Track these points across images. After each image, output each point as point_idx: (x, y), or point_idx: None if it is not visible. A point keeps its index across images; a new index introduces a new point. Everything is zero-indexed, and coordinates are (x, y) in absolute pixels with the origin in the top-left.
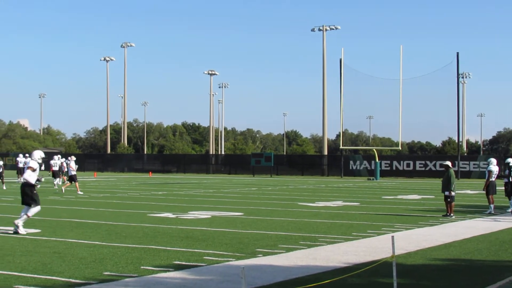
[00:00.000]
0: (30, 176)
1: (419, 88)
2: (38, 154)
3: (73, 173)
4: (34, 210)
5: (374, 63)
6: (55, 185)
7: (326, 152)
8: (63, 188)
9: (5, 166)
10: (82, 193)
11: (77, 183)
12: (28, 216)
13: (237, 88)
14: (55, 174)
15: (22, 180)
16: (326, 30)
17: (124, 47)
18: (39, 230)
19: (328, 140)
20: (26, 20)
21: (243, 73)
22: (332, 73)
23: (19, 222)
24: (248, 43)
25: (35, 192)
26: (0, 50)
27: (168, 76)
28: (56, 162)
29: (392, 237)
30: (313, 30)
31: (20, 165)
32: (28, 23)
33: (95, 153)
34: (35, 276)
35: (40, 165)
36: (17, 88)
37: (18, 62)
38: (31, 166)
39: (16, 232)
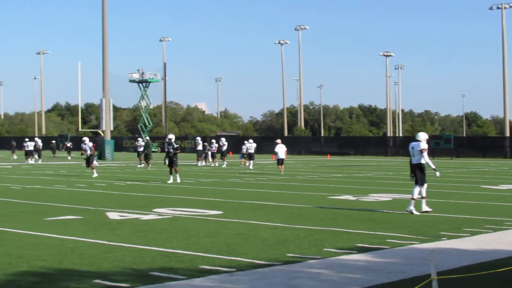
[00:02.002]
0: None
1: None
2: None
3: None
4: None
5: None
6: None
7: (508, 134)
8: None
9: (184, 149)
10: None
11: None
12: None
13: (414, 70)
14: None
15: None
16: (505, 8)
17: (298, 30)
18: (222, 212)
19: (510, 122)
20: (204, 8)
21: (419, 54)
22: None
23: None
24: (423, 24)
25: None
26: (178, 38)
27: (343, 58)
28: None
29: None
30: (491, 8)
31: (199, 147)
32: (206, 11)
33: (272, 136)
34: (220, 256)
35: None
36: (195, 73)
37: (195, 48)
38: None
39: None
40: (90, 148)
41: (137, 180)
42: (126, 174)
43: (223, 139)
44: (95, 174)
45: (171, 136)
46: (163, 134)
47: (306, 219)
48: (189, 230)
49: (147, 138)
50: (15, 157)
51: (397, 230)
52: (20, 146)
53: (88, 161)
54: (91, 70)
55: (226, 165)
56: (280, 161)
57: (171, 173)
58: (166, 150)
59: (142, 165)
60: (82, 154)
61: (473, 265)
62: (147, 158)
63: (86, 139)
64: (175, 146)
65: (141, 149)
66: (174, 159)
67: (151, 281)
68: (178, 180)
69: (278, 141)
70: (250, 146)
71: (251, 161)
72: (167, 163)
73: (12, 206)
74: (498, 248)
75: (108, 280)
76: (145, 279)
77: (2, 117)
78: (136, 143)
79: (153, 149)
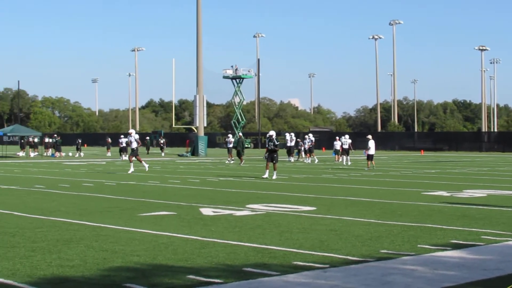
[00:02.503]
0: None
1: None
2: None
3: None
4: None
5: None
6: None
7: None
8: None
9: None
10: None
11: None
12: None
13: (509, 64)
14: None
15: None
16: None
17: (392, 24)
18: (315, 208)
19: None
20: (297, 3)
21: None
22: None
23: None
24: None
25: None
26: (272, 33)
27: (437, 53)
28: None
29: None
30: None
31: (291, 143)
32: (299, 6)
33: (365, 131)
34: (313, 253)
35: None
36: (288, 69)
37: (288, 44)
38: None
39: None
40: (136, 140)
41: (230, 176)
42: (219, 170)
43: (311, 135)
44: (132, 169)
45: (272, 133)
46: (256, 130)
47: (400, 215)
48: (282, 226)
49: (240, 134)
50: (109, 154)
51: (492, 226)
52: (115, 143)
53: (132, 153)
54: (185, 66)
55: (317, 161)
56: (370, 157)
57: (267, 168)
58: (267, 146)
59: (232, 161)
60: (127, 145)
61: None
62: (239, 154)
63: (132, 131)
64: (276, 143)
65: (231, 145)
66: (275, 155)
67: (245, 277)
68: (274, 177)
69: (369, 136)
70: (345, 141)
71: (348, 157)
72: (266, 158)
73: (107, 202)
74: None
75: (202, 275)
76: (238, 274)
77: (97, 114)
78: (227, 139)
79: (246, 145)
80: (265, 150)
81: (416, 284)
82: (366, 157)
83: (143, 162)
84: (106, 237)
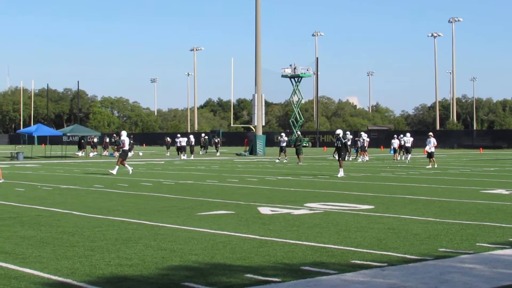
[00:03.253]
0: None
1: None
2: None
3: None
4: None
5: None
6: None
7: None
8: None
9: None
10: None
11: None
12: None
13: None
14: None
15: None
16: None
17: (451, 22)
18: (373, 207)
19: None
20: (356, 2)
21: None
22: None
23: None
24: None
25: None
26: (330, 32)
27: (497, 50)
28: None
29: None
30: None
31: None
32: (358, 4)
33: (424, 129)
34: (371, 251)
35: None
36: (347, 67)
37: (347, 42)
38: None
39: None
40: (127, 142)
41: (288, 174)
42: (277, 169)
43: (363, 134)
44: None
45: (339, 131)
46: (314, 128)
47: (458, 214)
48: (340, 224)
49: (298, 133)
50: (168, 153)
51: None
52: (174, 142)
53: (122, 154)
54: (243, 65)
55: (367, 160)
56: (430, 154)
57: (341, 166)
58: (336, 145)
59: (286, 160)
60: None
61: None
62: (298, 153)
63: (123, 132)
64: (343, 141)
65: (284, 144)
66: (342, 153)
67: (302, 275)
68: (340, 174)
69: (431, 134)
70: (407, 140)
71: (409, 155)
72: (336, 157)
73: (165, 201)
74: None
75: (260, 274)
76: (296, 273)
77: (156, 113)
78: (280, 138)
79: (304, 144)
80: (333, 149)
81: (474, 283)
82: (426, 155)
83: (126, 165)
84: (164, 236)
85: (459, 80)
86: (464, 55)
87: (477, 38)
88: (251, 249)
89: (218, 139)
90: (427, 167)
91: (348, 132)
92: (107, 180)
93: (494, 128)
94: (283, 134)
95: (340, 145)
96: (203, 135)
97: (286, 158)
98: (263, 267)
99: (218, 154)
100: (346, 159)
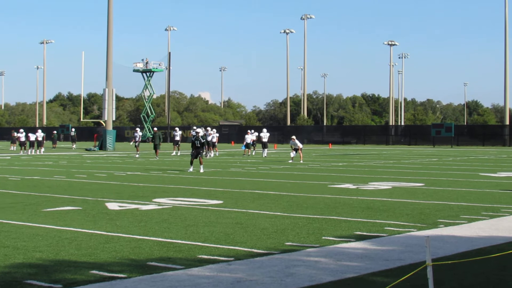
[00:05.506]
0: None
1: None
2: None
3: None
4: None
5: None
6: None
7: (507, 122)
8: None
9: (186, 139)
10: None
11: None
12: None
13: (417, 58)
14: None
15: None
16: None
17: (304, 19)
18: (222, 202)
19: (510, 110)
20: None
21: (423, 43)
22: None
23: None
24: (427, 12)
25: None
26: (183, 27)
27: (348, 48)
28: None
29: None
30: None
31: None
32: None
33: (275, 125)
34: (218, 246)
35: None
36: (199, 62)
37: (200, 38)
38: None
39: None
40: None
41: (138, 170)
42: (127, 164)
43: (212, 129)
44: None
45: (199, 130)
46: (165, 124)
47: (306, 208)
48: (188, 219)
49: (155, 129)
50: (13, 148)
51: (396, 218)
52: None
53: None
54: (94, 59)
55: (214, 155)
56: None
57: (191, 163)
58: (195, 144)
59: (137, 155)
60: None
61: (469, 252)
62: (156, 148)
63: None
64: (202, 141)
65: (138, 139)
66: (200, 151)
67: (149, 271)
68: (201, 171)
69: (264, 130)
70: (264, 135)
71: (265, 150)
72: (192, 154)
73: (10, 197)
74: (494, 235)
75: (105, 270)
76: (142, 269)
77: (3, 107)
78: (135, 133)
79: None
80: (191, 146)
81: (319, 275)
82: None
83: None
84: (7, 233)
85: (310, 76)
86: (316, 51)
87: (329, 35)
88: (97, 245)
89: (74, 132)
90: (289, 161)
91: (209, 128)
92: None
93: (344, 124)
94: (137, 129)
95: (199, 145)
96: (55, 132)
97: (138, 153)
98: (109, 263)
99: (74, 147)
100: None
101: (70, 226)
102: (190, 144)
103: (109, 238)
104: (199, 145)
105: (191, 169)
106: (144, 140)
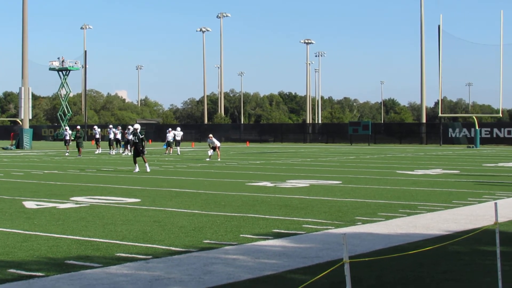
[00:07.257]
0: None
1: None
2: None
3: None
4: None
5: (472, 29)
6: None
7: (424, 120)
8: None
9: (103, 138)
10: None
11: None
12: None
13: (334, 57)
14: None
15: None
16: None
17: (220, 17)
18: (139, 200)
19: (426, 108)
20: None
21: (340, 41)
22: (430, 39)
23: None
24: (344, 11)
25: None
26: (99, 25)
27: (264, 46)
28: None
29: (495, 203)
30: None
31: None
32: None
33: (192, 123)
34: (136, 244)
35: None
36: (116, 61)
37: (116, 36)
38: None
39: None
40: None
41: (55, 169)
42: (44, 163)
43: (111, 127)
44: None
45: (137, 126)
46: (82, 122)
47: (224, 206)
48: (106, 218)
49: (78, 127)
50: None
51: (314, 215)
52: None
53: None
54: (10, 57)
55: (99, 153)
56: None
57: (135, 162)
58: (133, 140)
59: (67, 153)
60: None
61: (386, 249)
62: (78, 146)
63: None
64: (141, 136)
65: (68, 137)
66: (141, 148)
67: (67, 269)
68: (148, 170)
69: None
70: (178, 133)
71: (178, 148)
72: (132, 153)
73: None
74: (411, 232)
75: (23, 269)
76: (60, 267)
77: None
78: (65, 132)
79: (73, 138)
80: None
81: (237, 273)
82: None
83: None
84: None
85: (227, 74)
86: (233, 50)
87: (245, 34)
88: (14, 243)
89: None
90: (207, 159)
91: (118, 127)
92: None
93: (261, 122)
94: (67, 127)
95: (138, 140)
96: None
97: (68, 151)
98: (26, 262)
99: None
100: (112, 153)
101: None
102: (125, 142)
103: (27, 237)
104: (137, 141)
105: (137, 169)
106: (61, 138)
